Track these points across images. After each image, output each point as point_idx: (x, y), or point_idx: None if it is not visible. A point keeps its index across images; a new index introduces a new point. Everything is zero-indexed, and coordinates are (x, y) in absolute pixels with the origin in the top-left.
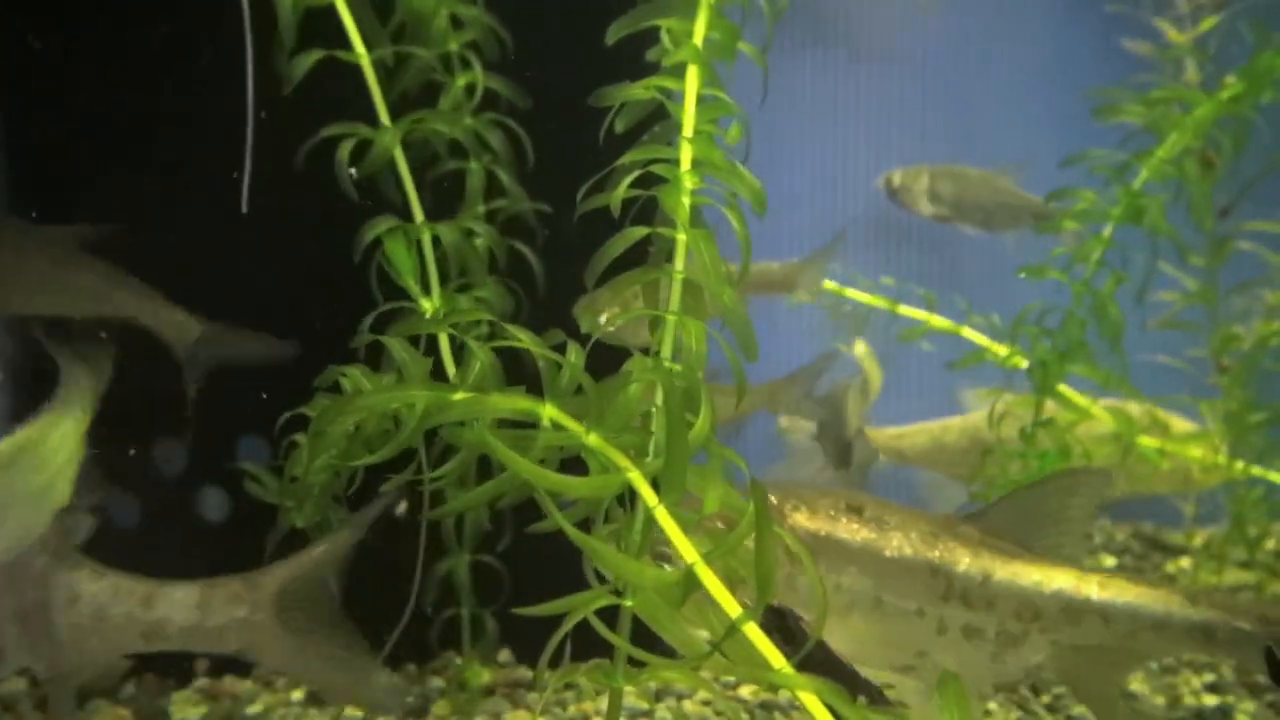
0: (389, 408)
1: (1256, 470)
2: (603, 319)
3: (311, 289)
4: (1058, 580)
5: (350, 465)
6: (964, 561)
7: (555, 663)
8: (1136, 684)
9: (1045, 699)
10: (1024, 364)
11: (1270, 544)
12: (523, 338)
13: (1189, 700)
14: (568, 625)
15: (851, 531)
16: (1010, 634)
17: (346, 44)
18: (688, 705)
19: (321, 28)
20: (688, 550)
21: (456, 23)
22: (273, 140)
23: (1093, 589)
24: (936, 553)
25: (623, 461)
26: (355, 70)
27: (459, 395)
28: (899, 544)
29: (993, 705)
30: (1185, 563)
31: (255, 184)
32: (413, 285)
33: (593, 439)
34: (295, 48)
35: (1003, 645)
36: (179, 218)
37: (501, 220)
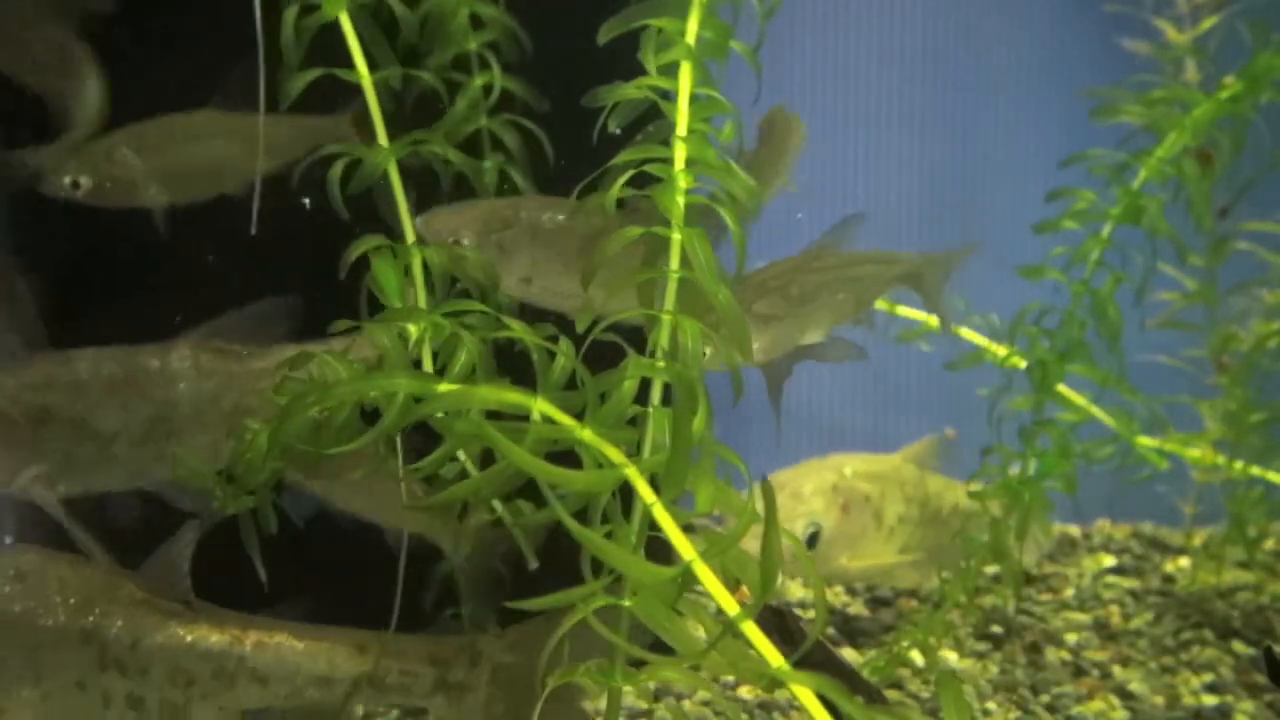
0: (367, 397)
1: (1256, 470)
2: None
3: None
4: (212, 640)
5: (322, 454)
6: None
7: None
8: (1135, 684)
9: (1045, 699)
10: (1023, 364)
11: (1269, 544)
12: (515, 326)
13: (1188, 700)
14: (568, 624)
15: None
16: (172, 703)
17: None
18: (687, 705)
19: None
20: (685, 548)
21: (476, 22)
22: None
23: (246, 648)
24: (90, 619)
25: (618, 457)
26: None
27: (444, 386)
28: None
29: (992, 705)
30: (1184, 562)
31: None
32: (399, 304)
33: (587, 434)
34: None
35: (166, 715)
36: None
37: None
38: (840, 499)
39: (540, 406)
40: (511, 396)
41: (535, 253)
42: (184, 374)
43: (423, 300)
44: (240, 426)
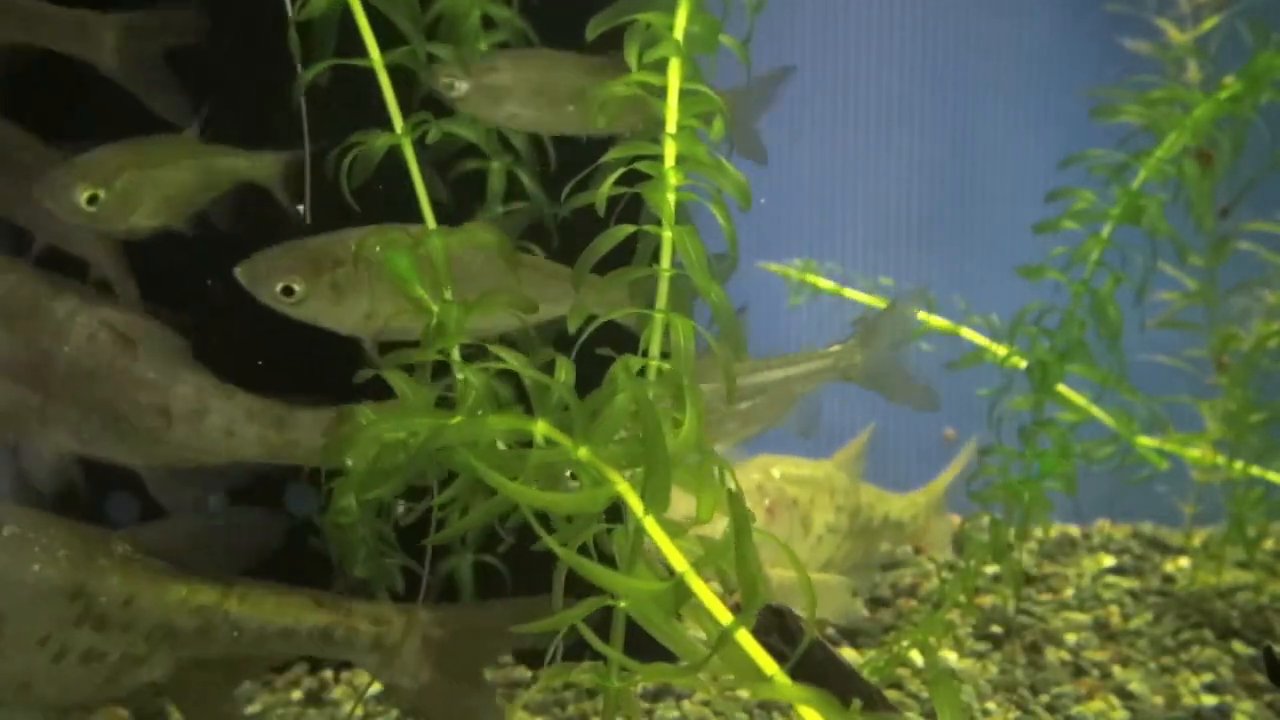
0: (392, 437)
1: (1256, 470)
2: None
3: None
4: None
5: (369, 498)
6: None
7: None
8: (1135, 683)
9: (1045, 699)
10: (1023, 364)
11: (1269, 544)
12: (508, 357)
13: (1188, 700)
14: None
15: None
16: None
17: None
18: (687, 705)
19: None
20: (677, 559)
21: (488, 23)
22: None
23: (232, 604)
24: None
25: (612, 474)
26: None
27: (456, 419)
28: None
29: (992, 705)
30: (1184, 562)
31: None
32: (421, 294)
33: (582, 453)
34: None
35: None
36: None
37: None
38: (765, 500)
39: (541, 429)
40: (516, 423)
41: (375, 288)
42: (73, 338)
43: (447, 291)
44: (107, 424)
